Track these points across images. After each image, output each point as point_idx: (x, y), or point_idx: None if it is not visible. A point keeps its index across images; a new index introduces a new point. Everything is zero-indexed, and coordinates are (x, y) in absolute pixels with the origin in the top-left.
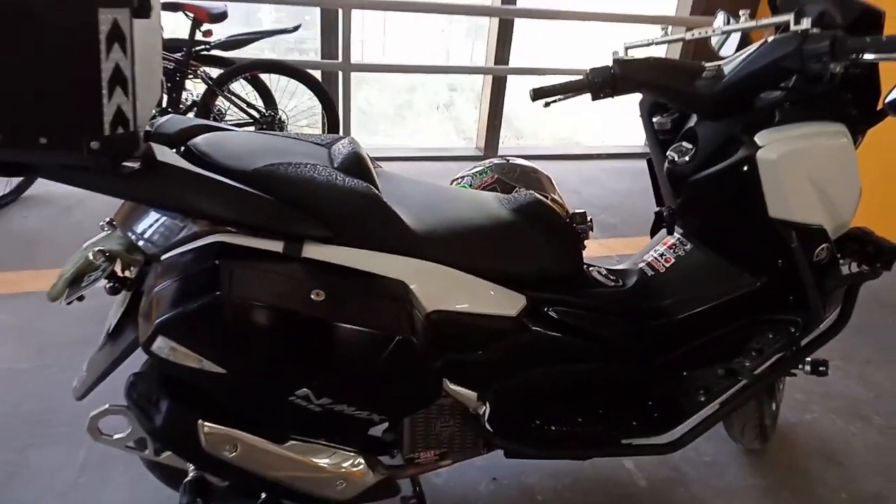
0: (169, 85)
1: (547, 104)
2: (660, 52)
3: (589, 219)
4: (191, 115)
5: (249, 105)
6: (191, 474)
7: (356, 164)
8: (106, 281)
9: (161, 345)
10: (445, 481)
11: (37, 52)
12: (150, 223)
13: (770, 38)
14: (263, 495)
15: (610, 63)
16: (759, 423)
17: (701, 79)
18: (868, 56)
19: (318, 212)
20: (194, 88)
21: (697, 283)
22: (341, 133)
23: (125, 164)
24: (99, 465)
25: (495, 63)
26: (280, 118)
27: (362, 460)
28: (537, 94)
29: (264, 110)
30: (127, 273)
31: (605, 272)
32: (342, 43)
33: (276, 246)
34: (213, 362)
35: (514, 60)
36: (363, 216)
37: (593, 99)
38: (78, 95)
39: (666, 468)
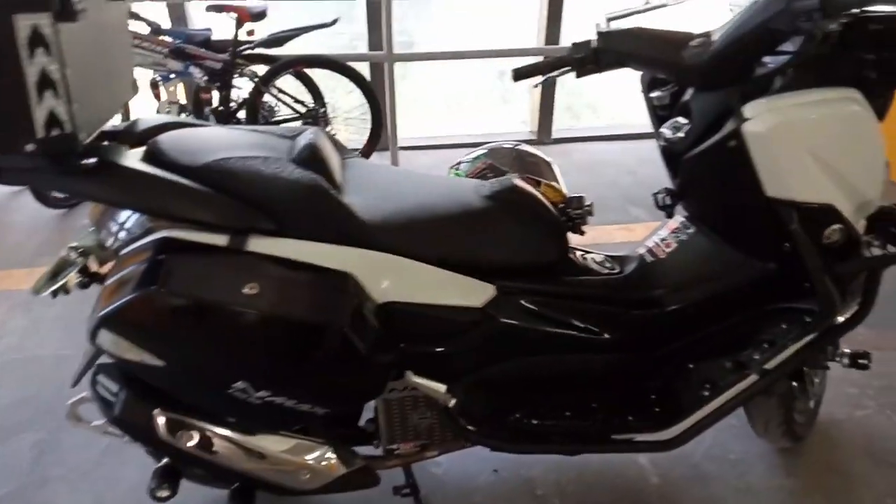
0: (218, 84)
1: (536, 85)
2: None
3: (588, 203)
4: (242, 113)
5: (296, 101)
6: (164, 461)
7: (310, 155)
8: (77, 275)
9: (104, 337)
10: (445, 472)
11: None
12: (121, 220)
13: None
14: None
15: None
16: (784, 421)
17: (689, 48)
18: (871, 9)
19: (263, 204)
20: (244, 87)
21: (700, 270)
22: (388, 124)
23: (82, 163)
24: (121, 447)
25: (546, 43)
26: (326, 112)
27: (331, 451)
28: (519, 73)
29: (311, 105)
30: (104, 268)
31: (601, 259)
32: (384, 33)
33: (222, 240)
34: (152, 355)
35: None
36: (307, 207)
37: (578, 76)
38: (5, 100)
39: (684, 465)
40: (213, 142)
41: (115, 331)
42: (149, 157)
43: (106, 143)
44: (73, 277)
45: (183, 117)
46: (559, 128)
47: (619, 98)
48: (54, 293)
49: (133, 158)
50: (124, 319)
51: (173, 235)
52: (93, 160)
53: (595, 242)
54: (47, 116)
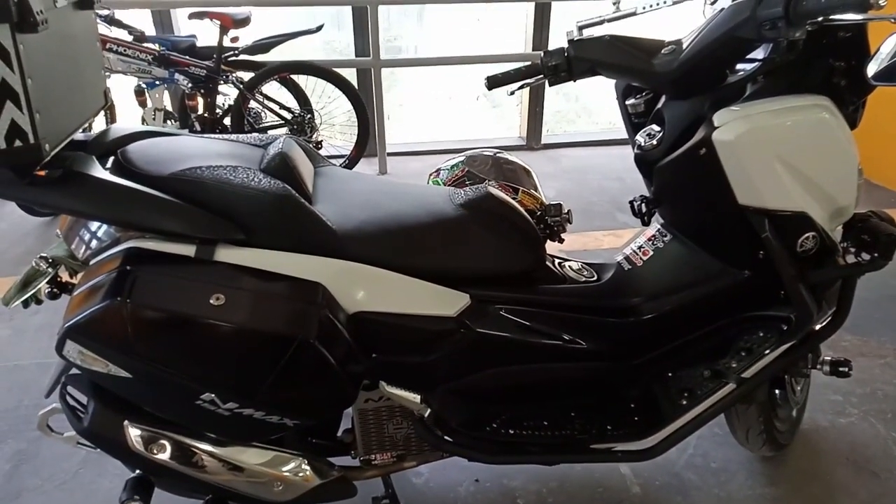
0: (203, 91)
1: (511, 92)
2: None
3: (566, 210)
4: (228, 119)
5: (282, 107)
6: (136, 472)
7: (280, 165)
8: (48, 286)
9: (70, 348)
10: (425, 482)
11: None
12: (91, 229)
13: (727, 5)
14: None
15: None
16: (765, 429)
17: (660, 55)
18: (835, 17)
19: (231, 214)
20: (230, 93)
21: (677, 278)
22: (376, 130)
23: (47, 173)
24: (101, 458)
25: (533, 49)
26: (313, 118)
27: (304, 462)
28: (492, 82)
29: (297, 111)
30: (75, 279)
31: (578, 267)
32: (371, 39)
33: (189, 250)
34: (118, 366)
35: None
36: (276, 217)
37: (551, 84)
38: None
39: (666, 474)
40: (182, 151)
41: (80, 342)
42: (117, 167)
43: (75, 152)
44: (43, 287)
45: (168, 124)
46: (552, 133)
47: (614, 102)
48: (25, 303)
49: (100, 168)
50: (89, 331)
51: (141, 245)
52: (58, 171)
53: (584, 249)
54: (9, 127)
